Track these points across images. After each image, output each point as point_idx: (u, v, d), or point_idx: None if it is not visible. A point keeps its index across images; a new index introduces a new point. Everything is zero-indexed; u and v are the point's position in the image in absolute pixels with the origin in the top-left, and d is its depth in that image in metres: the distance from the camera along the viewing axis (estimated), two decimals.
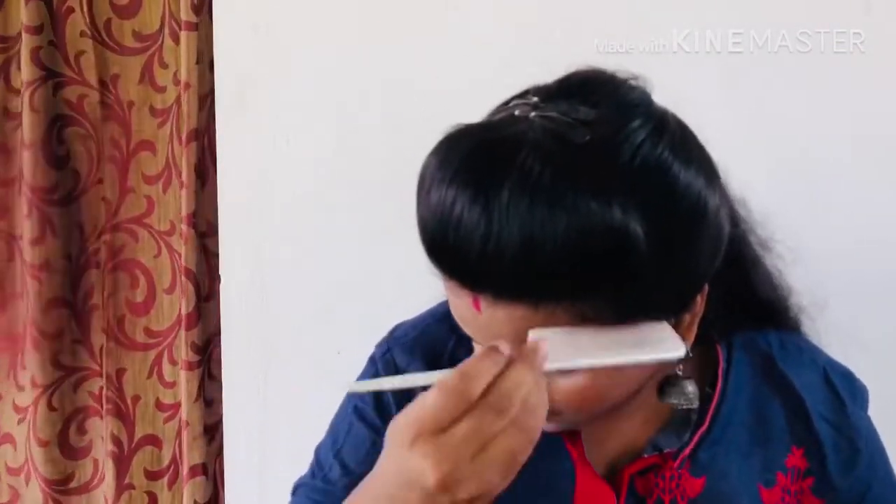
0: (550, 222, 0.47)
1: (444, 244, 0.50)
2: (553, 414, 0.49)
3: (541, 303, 0.50)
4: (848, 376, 0.68)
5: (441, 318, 0.71)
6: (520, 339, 0.51)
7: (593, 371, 0.53)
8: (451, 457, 0.44)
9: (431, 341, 0.70)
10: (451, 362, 0.65)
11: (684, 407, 0.62)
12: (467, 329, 0.56)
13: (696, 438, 0.64)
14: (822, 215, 0.99)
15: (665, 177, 0.51)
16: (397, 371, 0.70)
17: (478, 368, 0.46)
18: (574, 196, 0.48)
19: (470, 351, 0.62)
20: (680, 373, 0.61)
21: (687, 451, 0.64)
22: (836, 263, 0.97)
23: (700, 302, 0.57)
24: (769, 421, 0.65)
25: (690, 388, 0.61)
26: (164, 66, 1.32)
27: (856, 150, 0.97)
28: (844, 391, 0.67)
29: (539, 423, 0.47)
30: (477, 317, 0.52)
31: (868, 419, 0.68)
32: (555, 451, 0.64)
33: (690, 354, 0.57)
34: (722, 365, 0.66)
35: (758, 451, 0.65)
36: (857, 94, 0.96)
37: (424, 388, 0.48)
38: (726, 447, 0.64)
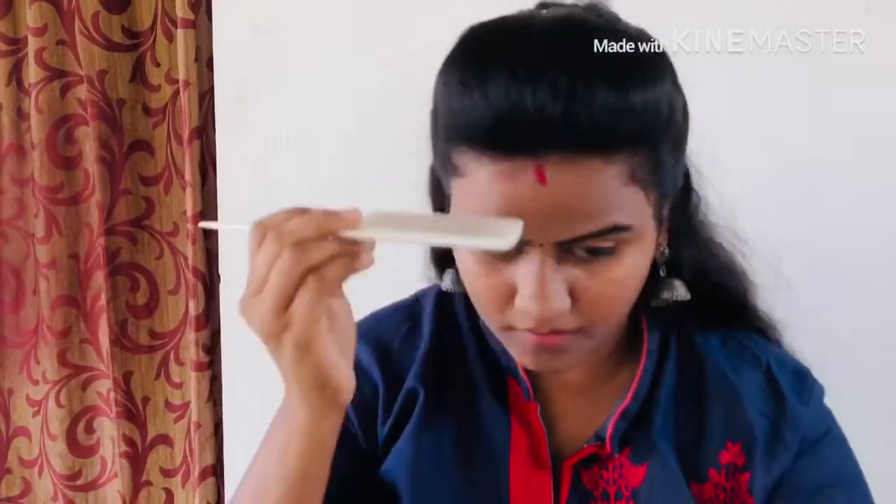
0: (628, 92, 0.51)
1: (520, 115, 0.50)
2: (582, 331, 0.55)
3: (616, 152, 0.51)
4: (798, 373, 0.67)
5: (400, 307, 0.73)
6: (588, 208, 0.51)
7: (619, 270, 0.55)
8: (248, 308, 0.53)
9: (384, 328, 0.71)
10: (402, 347, 0.69)
11: (679, 300, 0.63)
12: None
13: (618, 413, 0.64)
14: (822, 215, 0.99)
15: (665, 72, 0.55)
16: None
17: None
18: (641, 70, 0.52)
19: (420, 336, 0.68)
20: (663, 274, 0.63)
21: (610, 427, 0.64)
22: (834, 263, 0.97)
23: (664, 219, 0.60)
24: (700, 418, 0.65)
25: (678, 283, 0.63)
26: (157, 64, 1.30)
27: (856, 150, 0.97)
28: (787, 386, 0.65)
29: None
30: (540, 194, 0.51)
31: (818, 417, 0.66)
32: (498, 435, 0.65)
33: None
34: (646, 344, 0.66)
35: (689, 448, 0.64)
36: (857, 94, 0.96)
37: None
38: (660, 436, 0.64)
